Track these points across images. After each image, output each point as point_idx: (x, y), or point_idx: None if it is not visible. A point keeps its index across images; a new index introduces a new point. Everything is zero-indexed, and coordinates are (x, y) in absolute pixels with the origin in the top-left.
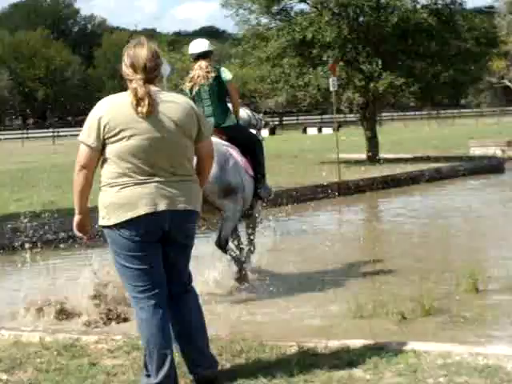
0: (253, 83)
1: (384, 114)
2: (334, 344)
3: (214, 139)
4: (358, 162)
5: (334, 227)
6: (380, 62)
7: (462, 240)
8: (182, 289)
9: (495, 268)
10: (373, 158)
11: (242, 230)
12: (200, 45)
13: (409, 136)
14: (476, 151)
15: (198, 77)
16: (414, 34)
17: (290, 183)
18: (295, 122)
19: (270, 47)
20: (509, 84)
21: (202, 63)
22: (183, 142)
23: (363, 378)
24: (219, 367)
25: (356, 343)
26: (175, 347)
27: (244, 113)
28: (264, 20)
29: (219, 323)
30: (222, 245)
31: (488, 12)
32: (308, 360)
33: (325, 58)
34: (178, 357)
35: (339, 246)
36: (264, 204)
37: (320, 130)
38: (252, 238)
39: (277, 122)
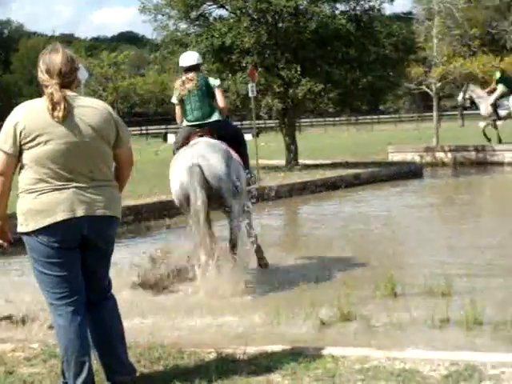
0: (172, 89)
1: (303, 120)
2: (253, 350)
3: (209, 139)
4: (277, 168)
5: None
6: (299, 68)
7: (380, 245)
8: (102, 296)
9: (413, 272)
10: (292, 164)
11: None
12: (190, 58)
13: (328, 142)
14: (395, 157)
15: (187, 85)
16: (332, 40)
17: None
18: None
19: None
20: (427, 90)
21: (191, 74)
22: (101, 147)
23: None
24: (137, 374)
25: (274, 349)
26: (93, 354)
27: None
28: (183, 25)
29: (138, 330)
30: (234, 244)
31: (406, 18)
32: (226, 366)
33: (244, 64)
34: (95, 364)
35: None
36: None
37: None
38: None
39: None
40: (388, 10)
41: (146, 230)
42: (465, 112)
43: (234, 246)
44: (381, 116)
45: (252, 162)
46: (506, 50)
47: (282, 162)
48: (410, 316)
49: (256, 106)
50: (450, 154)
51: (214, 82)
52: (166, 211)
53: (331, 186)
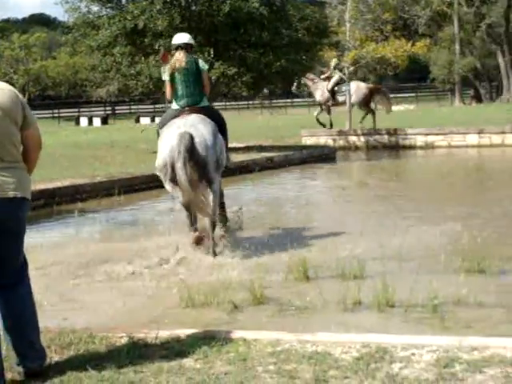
0: (84, 72)
1: (217, 104)
2: (165, 334)
3: (199, 116)
4: None
5: (165, 218)
6: (212, 52)
7: (293, 228)
8: (14, 280)
9: (326, 256)
10: None
11: None
12: (182, 38)
13: (242, 125)
14: (308, 141)
15: (179, 63)
16: (245, 23)
17: (122, 173)
18: (128, 111)
19: (100, 36)
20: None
21: (181, 53)
22: (10, 128)
23: (193, 368)
24: (48, 360)
25: (187, 333)
26: (4, 339)
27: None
28: (95, 8)
29: (48, 315)
30: (215, 221)
31: (319, 2)
32: (138, 351)
33: (157, 47)
34: (5, 350)
35: (169, 236)
36: None
37: (153, 120)
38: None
39: (109, 112)
40: None
41: (57, 214)
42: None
43: (214, 221)
44: (294, 100)
45: None
46: (418, 35)
47: None
48: (322, 299)
49: None
50: (362, 138)
51: (203, 66)
52: (78, 195)
53: (245, 169)
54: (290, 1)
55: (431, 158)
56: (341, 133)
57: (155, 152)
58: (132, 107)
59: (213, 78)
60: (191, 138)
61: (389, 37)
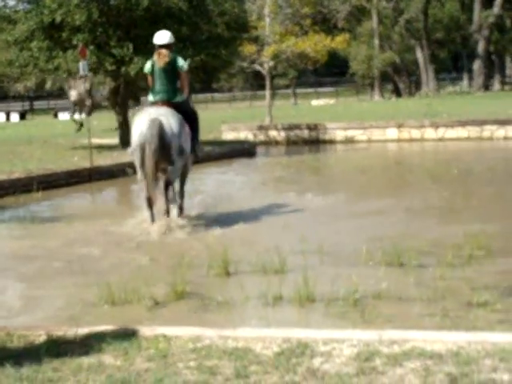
0: (1, 67)
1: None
2: (84, 331)
3: (171, 110)
4: (110, 148)
5: (87, 213)
6: (131, 46)
7: (214, 223)
8: None
9: (247, 251)
10: (125, 143)
11: None
12: (164, 37)
13: None
14: (228, 135)
15: (159, 60)
16: (164, 18)
17: (40, 169)
18: (46, 106)
19: (17, 30)
20: (260, 69)
21: (163, 51)
22: None
23: (113, 365)
24: None
25: (106, 329)
26: None
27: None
28: (11, 2)
29: None
30: (170, 183)
31: None
32: (57, 348)
33: (75, 42)
34: None
35: (95, 234)
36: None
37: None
38: (183, 186)
39: (27, 107)
40: None
41: None
42: (297, 90)
43: (168, 184)
44: (214, 94)
45: (84, 141)
46: (337, 30)
47: (116, 141)
48: (242, 294)
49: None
50: (282, 133)
51: (183, 64)
52: None
53: None
54: None
55: (351, 153)
56: (261, 128)
57: (75, 148)
58: (50, 102)
59: (132, 73)
60: (161, 124)
61: (308, 31)
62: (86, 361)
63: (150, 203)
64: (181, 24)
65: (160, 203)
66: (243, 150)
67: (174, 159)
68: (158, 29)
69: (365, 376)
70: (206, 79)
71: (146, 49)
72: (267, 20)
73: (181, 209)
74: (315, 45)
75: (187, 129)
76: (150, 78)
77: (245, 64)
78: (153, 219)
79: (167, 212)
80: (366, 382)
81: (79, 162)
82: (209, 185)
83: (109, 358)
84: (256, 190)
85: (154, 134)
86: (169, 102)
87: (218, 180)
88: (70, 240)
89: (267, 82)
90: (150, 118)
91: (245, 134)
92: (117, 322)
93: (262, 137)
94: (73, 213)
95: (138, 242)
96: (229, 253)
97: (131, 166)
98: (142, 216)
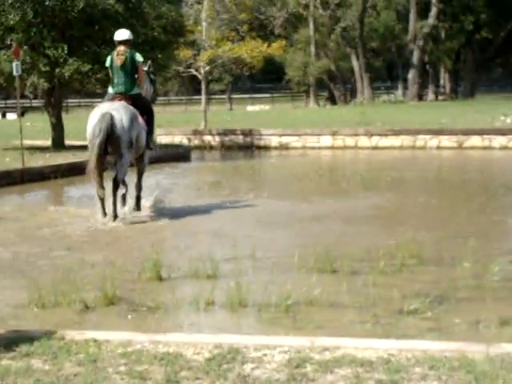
0: None
1: (71, 101)
2: (12, 334)
3: (125, 103)
4: (43, 149)
5: (18, 214)
6: (66, 48)
7: (148, 227)
8: None
9: (179, 256)
10: (58, 145)
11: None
12: (124, 34)
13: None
14: (163, 140)
15: (118, 56)
16: (100, 20)
17: None
18: None
19: None
20: (196, 73)
21: (122, 47)
22: None
23: (42, 369)
24: None
25: (36, 333)
26: None
27: (149, 87)
28: None
29: None
30: (118, 183)
31: (175, 1)
32: None
33: (8, 42)
34: None
35: (26, 234)
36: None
37: (4, 116)
38: (140, 179)
39: None
40: None
41: None
42: (233, 96)
43: (117, 184)
44: None
45: (16, 142)
46: (274, 36)
47: (48, 142)
48: (174, 299)
49: (21, 85)
50: (217, 138)
51: (139, 58)
52: None
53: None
54: None
55: (286, 159)
56: (196, 132)
57: (7, 148)
58: None
59: (66, 74)
60: (111, 117)
61: (245, 37)
62: (13, 364)
63: (100, 196)
64: (117, 26)
65: (108, 204)
66: (177, 155)
67: (122, 152)
68: (94, 31)
69: (296, 383)
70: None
71: (81, 50)
72: (204, 25)
73: (138, 199)
74: (251, 51)
75: (142, 123)
76: (110, 72)
77: (181, 68)
78: (104, 212)
79: (114, 217)
80: None
81: (11, 163)
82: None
83: (37, 362)
84: (189, 194)
85: (103, 127)
86: (126, 95)
87: (152, 184)
88: (0, 240)
89: (203, 87)
90: (101, 113)
91: (179, 139)
92: (46, 326)
93: (196, 141)
94: (2, 213)
95: (70, 243)
96: (161, 257)
97: (64, 167)
98: (74, 218)
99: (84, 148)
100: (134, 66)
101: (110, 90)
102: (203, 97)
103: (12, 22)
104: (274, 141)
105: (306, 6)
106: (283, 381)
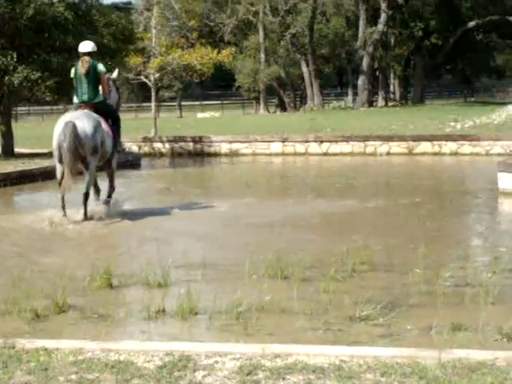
0: None
1: (20, 109)
2: None
3: (88, 111)
4: None
5: None
6: (15, 55)
7: (98, 234)
8: None
9: (130, 263)
10: (7, 153)
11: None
12: (87, 46)
13: (45, 131)
14: None
15: (81, 66)
16: (50, 27)
17: None
18: None
19: None
20: (145, 80)
21: (86, 58)
22: None
23: None
24: None
25: None
26: None
27: (115, 94)
28: None
29: None
30: (88, 191)
31: (125, 8)
32: None
33: None
34: None
35: None
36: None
37: None
38: (112, 180)
39: None
40: None
41: None
42: (183, 103)
43: (87, 194)
44: None
45: None
46: (224, 43)
47: None
48: (125, 307)
49: None
50: (167, 145)
51: (102, 69)
52: None
53: (48, 175)
54: (95, 6)
55: (236, 166)
56: (146, 139)
57: None
58: None
59: (15, 82)
60: (74, 126)
61: (195, 44)
62: None
63: (63, 201)
64: (66, 33)
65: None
66: (127, 162)
67: (88, 159)
68: (43, 38)
69: None
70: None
71: (31, 58)
72: (154, 32)
73: (109, 196)
74: (201, 58)
75: (106, 128)
76: (74, 82)
77: (130, 75)
78: (65, 214)
79: (85, 214)
80: None
81: None
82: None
83: None
84: (138, 201)
85: (67, 134)
86: (89, 103)
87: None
88: None
89: (153, 94)
90: (65, 121)
91: (129, 146)
92: None
93: (146, 148)
94: None
95: (22, 250)
96: (112, 264)
97: (14, 175)
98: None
99: (33, 156)
100: (97, 76)
101: (75, 99)
102: (153, 104)
103: None
104: (224, 147)
105: (256, 13)
106: None
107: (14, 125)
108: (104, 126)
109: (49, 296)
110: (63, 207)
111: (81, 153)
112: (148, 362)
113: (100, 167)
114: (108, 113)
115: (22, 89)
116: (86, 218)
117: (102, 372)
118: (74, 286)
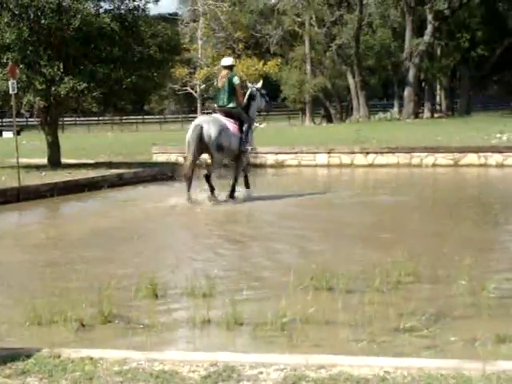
0: None
1: (67, 119)
2: (9, 352)
3: (218, 115)
4: (39, 167)
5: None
6: (62, 66)
7: (142, 245)
8: None
9: (175, 274)
10: (54, 163)
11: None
12: (227, 61)
13: (91, 141)
14: (159, 157)
15: (222, 78)
16: (96, 38)
17: None
18: None
19: None
20: (191, 91)
21: (225, 71)
22: None
23: None
24: None
25: (31, 351)
26: None
27: (260, 100)
28: None
29: None
30: (209, 174)
31: (171, 19)
32: None
33: (4, 60)
34: None
35: (21, 251)
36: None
37: (0, 134)
38: (237, 172)
39: None
40: (153, 10)
41: None
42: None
43: (207, 176)
44: (146, 116)
45: (12, 160)
46: (270, 54)
47: (44, 160)
48: (170, 317)
49: (17, 104)
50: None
51: (235, 80)
52: None
53: (94, 185)
54: (141, 17)
55: (281, 177)
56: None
57: (3, 167)
58: None
59: (62, 92)
60: (201, 128)
61: (241, 55)
62: (9, 382)
63: (189, 186)
64: (112, 45)
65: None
66: (173, 172)
67: (212, 153)
68: (89, 49)
69: None
70: (138, 101)
71: (77, 69)
72: (200, 43)
73: (233, 188)
74: (247, 69)
75: (234, 130)
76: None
77: (176, 86)
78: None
79: (211, 192)
80: None
81: (7, 181)
82: (139, 206)
83: (33, 380)
84: (184, 212)
85: (194, 134)
86: (224, 108)
87: (146, 202)
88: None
89: (198, 105)
90: (195, 124)
91: (175, 156)
92: (42, 344)
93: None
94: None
95: (68, 262)
96: (157, 275)
97: (60, 185)
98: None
99: (80, 166)
100: (232, 86)
101: (215, 104)
102: (199, 115)
103: (8, 41)
104: (270, 158)
105: (302, 24)
106: None
107: (60, 135)
108: (232, 128)
109: (94, 306)
110: (188, 190)
111: (203, 150)
112: (192, 372)
113: (233, 160)
114: (237, 117)
115: (69, 99)
116: (214, 195)
117: (147, 382)
118: (119, 296)
